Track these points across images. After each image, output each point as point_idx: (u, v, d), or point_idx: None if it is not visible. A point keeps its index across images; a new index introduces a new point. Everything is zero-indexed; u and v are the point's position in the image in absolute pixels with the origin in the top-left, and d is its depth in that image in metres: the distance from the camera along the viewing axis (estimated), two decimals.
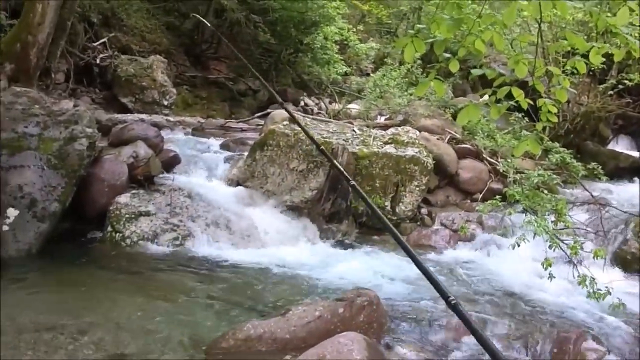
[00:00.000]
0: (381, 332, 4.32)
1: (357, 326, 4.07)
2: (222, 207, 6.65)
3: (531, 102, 3.43)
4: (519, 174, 6.96)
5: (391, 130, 8.65)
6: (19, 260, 5.51)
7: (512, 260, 6.07)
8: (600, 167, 7.09)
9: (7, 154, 5.83)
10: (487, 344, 1.24)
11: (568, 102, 10.03)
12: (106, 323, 4.23)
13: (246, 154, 7.69)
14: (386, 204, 7.37)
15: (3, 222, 5.57)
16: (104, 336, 4.02)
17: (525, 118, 9.12)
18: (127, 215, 6.15)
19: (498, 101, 3.36)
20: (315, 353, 3.39)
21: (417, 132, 8.74)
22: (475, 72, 3.50)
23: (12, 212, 5.62)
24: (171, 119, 10.65)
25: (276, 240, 6.47)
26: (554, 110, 3.53)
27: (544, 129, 4.17)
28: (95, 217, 6.35)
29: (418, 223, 7.69)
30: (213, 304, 4.80)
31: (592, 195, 7.01)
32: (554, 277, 5.03)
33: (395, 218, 7.43)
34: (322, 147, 4.25)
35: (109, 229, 6.11)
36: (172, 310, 4.61)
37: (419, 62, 12.16)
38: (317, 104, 14.72)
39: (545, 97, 3.59)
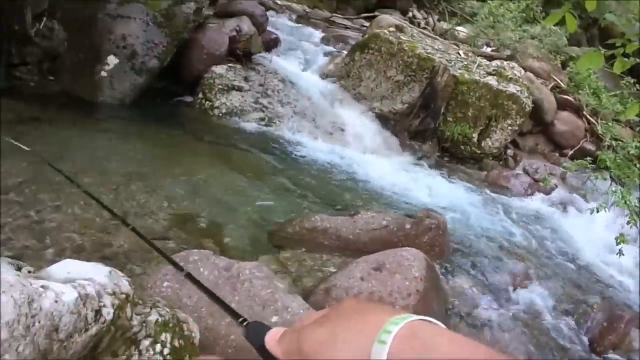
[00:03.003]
0: (441, 258, 4.31)
1: (419, 245, 4.04)
2: (311, 99, 6.65)
3: None
4: (615, 141, 6.68)
5: (496, 62, 8.35)
6: (112, 107, 5.72)
7: (586, 225, 5.89)
8: None
9: (116, 2, 5.92)
10: None
11: None
12: (182, 183, 4.39)
13: (345, 52, 7.60)
14: (474, 135, 7.20)
15: (102, 68, 5.73)
16: (178, 194, 4.17)
17: (637, 85, 8.68)
18: (220, 86, 6.23)
19: (625, 56, 3.19)
20: (376, 260, 3.41)
21: (522, 71, 8.41)
22: (609, 17, 3.32)
23: (112, 60, 5.78)
24: (278, 1, 10.55)
25: (357, 144, 6.47)
26: None
27: None
28: (189, 82, 6.46)
29: (501, 163, 7.53)
30: (285, 189, 4.89)
31: None
32: (623, 255, 4.89)
33: (479, 152, 7.29)
34: None
35: (200, 96, 6.23)
36: (245, 187, 4.72)
37: None
38: (425, 19, 14.28)
39: None
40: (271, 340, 0.68)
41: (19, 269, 1.78)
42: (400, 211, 4.70)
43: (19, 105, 5.12)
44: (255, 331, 0.72)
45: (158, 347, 1.87)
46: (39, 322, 1.48)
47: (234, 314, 0.82)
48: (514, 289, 4.36)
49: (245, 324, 0.76)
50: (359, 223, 4.05)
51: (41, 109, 5.17)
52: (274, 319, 2.49)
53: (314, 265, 3.68)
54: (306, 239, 3.90)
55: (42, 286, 1.54)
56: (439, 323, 0.59)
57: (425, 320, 0.58)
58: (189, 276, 1.23)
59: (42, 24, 5.59)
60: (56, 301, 1.55)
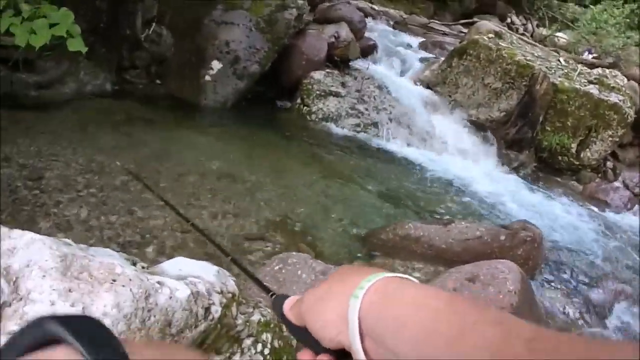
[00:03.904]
0: (534, 271, 4.24)
1: (513, 258, 3.96)
2: (407, 105, 6.66)
3: None
4: None
5: (598, 70, 8.07)
6: (213, 110, 5.94)
7: None
8: None
9: (222, 9, 6.13)
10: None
11: None
12: (278, 186, 4.52)
13: (442, 58, 7.55)
14: (572, 145, 6.98)
15: (206, 72, 5.95)
16: (274, 197, 4.31)
17: None
18: (317, 92, 6.35)
19: None
20: (470, 271, 3.39)
21: (625, 80, 8.08)
22: None
23: (216, 65, 5.99)
24: (375, 7, 10.60)
25: (452, 152, 6.43)
26: None
27: None
28: (288, 87, 6.61)
29: (599, 175, 7.26)
30: (379, 195, 4.93)
31: None
32: None
33: (577, 163, 7.07)
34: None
35: (298, 101, 6.37)
36: (340, 190, 4.81)
37: None
38: (524, 25, 13.95)
39: None
40: (287, 307, 0.76)
41: (134, 264, 1.90)
42: (494, 221, 4.64)
43: (128, 106, 5.41)
44: (279, 302, 0.78)
45: (259, 346, 1.95)
46: (154, 316, 1.57)
47: (264, 288, 0.88)
48: (611, 308, 4.22)
49: (273, 297, 0.82)
50: (453, 232, 4.03)
51: (148, 110, 5.44)
52: None
53: (406, 273, 3.68)
54: (399, 246, 3.93)
55: (159, 282, 1.64)
56: (412, 278, 0.64)
57: (397, 276, 0.64)
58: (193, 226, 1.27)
59: (152, 29, 5.87)
60: (170, 297, 1.64)
